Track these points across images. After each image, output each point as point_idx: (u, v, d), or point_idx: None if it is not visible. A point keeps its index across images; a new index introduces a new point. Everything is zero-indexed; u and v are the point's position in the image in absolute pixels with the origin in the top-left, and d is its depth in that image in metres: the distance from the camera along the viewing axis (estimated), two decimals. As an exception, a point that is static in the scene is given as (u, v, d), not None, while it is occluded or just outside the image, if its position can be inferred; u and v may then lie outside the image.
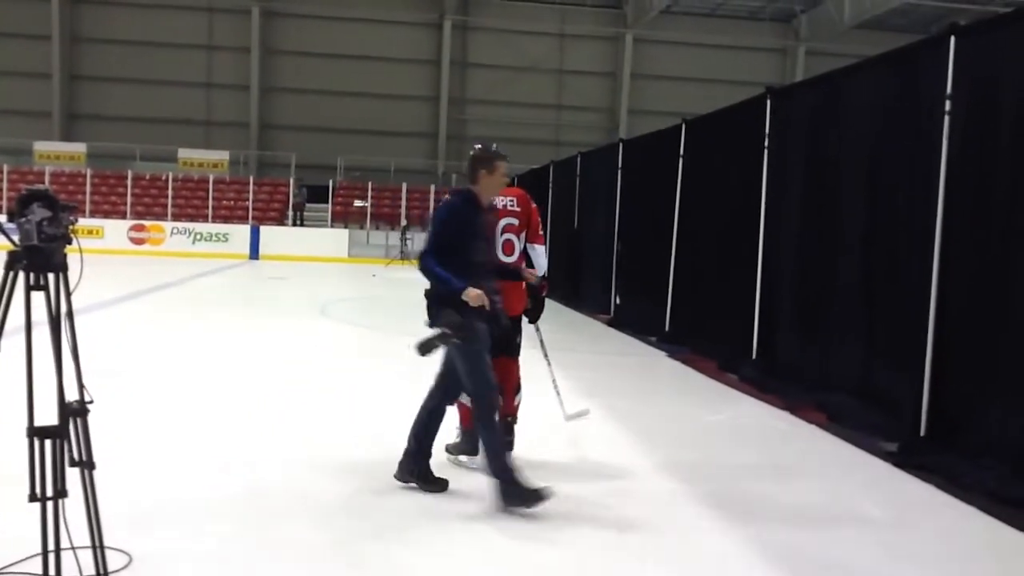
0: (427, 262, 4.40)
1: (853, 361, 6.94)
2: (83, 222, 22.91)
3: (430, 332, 4.44)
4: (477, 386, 4.47)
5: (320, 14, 31.58)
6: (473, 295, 4.31)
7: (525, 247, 5.23)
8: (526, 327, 5.43)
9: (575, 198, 16.38)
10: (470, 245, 4.48)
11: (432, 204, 27.42)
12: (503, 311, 4.66)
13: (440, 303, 4.42)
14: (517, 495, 4.32)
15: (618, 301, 13.42)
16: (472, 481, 4.86)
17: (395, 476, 4.66)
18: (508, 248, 5.12)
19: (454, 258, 4.38)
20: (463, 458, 5.15)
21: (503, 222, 5.12)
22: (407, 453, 4.67)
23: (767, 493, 4.97)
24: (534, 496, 4.30)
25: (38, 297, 2.80)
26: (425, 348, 4.41)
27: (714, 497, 4.82)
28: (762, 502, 4.78)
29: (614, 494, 4.82)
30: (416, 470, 4.65)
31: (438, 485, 4.63)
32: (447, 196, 4.68)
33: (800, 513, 4.67)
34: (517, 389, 5.30)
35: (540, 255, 5.31)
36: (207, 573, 3.55)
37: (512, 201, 5.18)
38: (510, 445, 5.26)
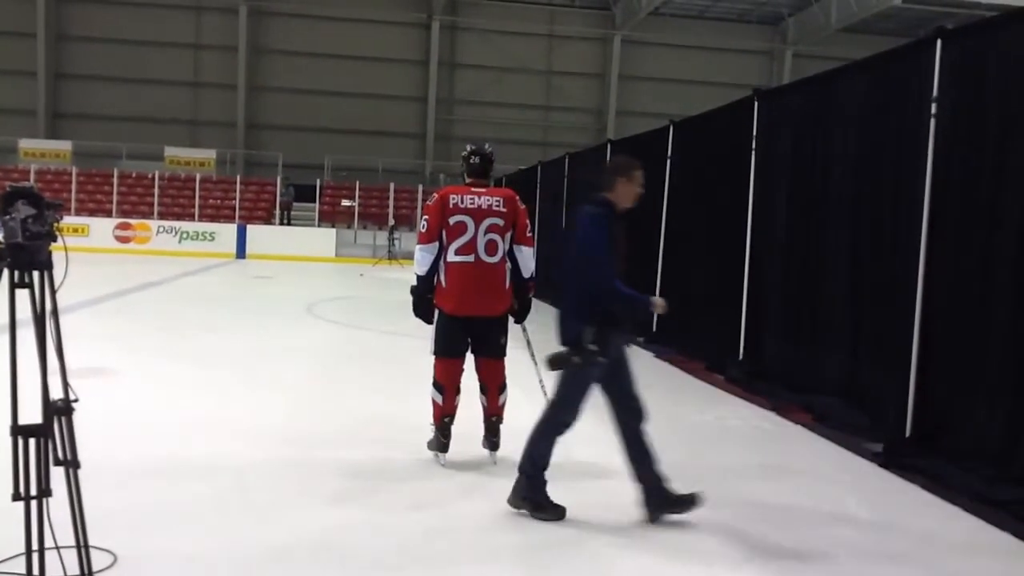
0: (614, 283, 4.16)
1: (839, 362, 6.97)
2: (68, 220, 22.76)
3: (563, 348, 4.24)
4: (567, 406, 4.33)
5: (308, 13, 31.49)
6: (659, 303, 4.22)
7: (511, 248, 5.22)
8: (512, 327, 5.43)
9: (563, 199, 16.38)
10: (615, 256, 4.29)
11: (420, 204, 27.37)
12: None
13: (587, 320, 4.16)
14: (533, 500, 4.31)
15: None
16: (451, 481, 4.87)
17: (647, 519, 4.34)
18: (491, 248, 5.11)
19: None
20: (439, 455, 5.20)
21: (487, 222, 5.10)
22: (646, 492, 4.36)
23: (753, 493, 4.99)
24: (550, 509, 4.30)
25: (22, 295, 2.78)
26: (557, 363, 4.24)
27: (700, 497, 4.84)
28: (748, 502, 4.80)
29: (600, 494, 4.82)
30: (657, 498, 4.35)
31: (687, 502, 4.33)
32: (588, 208, 4.36)
33: (786, 512, 4.69)
34: (502, 389, 5.31)
35: (527, 257, 5.31)
36: (192, 572, 3.53)
37: (498, 201, 5.17)
38: (496, 445, 5.28)
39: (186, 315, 12.76)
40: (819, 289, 7.35)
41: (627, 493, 4.85)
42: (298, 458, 5.20)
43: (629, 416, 4.41)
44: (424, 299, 5.23)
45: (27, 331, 2.77)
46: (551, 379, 4.42)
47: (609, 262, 4.20)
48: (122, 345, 9.15)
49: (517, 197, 5.32)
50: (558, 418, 4.36)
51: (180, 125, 31.67)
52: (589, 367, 4.22)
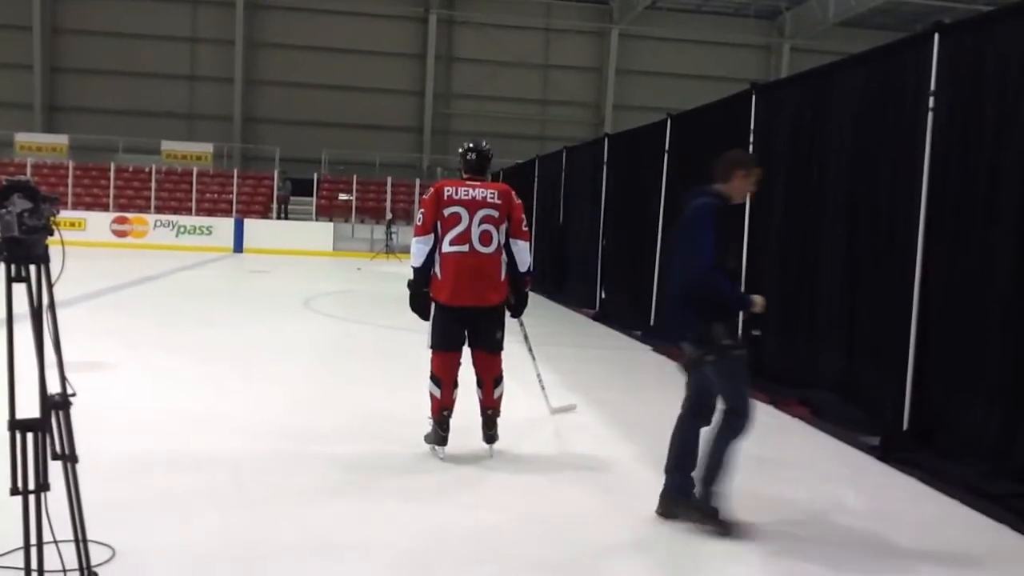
0: (716, 276, 4.01)
1: (837, 357, 6.97)
2: (65, 214, 22.46)
3: (692, 349, 4.14)
4: (740, 404, 4.16)
5: (305, 6, 31.40)
6: (761, 302, 4.10)
7: (508, 242, 5.25)
8: (510, 322, 5.44)
9: (560, 193, 16.39)
10: (729, 250, 4.15)
11: (417, 198, 27.36)
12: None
13: (712, 317, 4.06)
14: (708, 513, 4.15)
15: (603, 295, 13.44)
16: (449, 474, 4.88)
17: (660, 511, 4.29)
18: (486, 239, 5.15)
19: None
20: (435, 448, 5.22)
21: (482, 213, 5.13)
22: (673, 487, 4.28)
23: (750, 485, 4.98)
24: (726, 524, 4.12)
25: (19, 289, 2.78)
26: (696, 366, 4.13)
27: (698, 491, 4.85)
28: (745, 494, 4.79)
29: (598, 487, 4.84)
30: (678, 498, 4.27)
31: (708, 515, 4.21)
32: (700, 199, 4.22)
33: (783, 505, 4.69)
34: (498, 382, 5.32)
35: (523, 250, 5.33)
36: (191, 567, 3.53)
37: (493, 194, 5.21)
38: (493, 438, 5.29)
39: (183, 309, 12.76)
40: (816, 284, 7.35)
41: (625, 485, 4.87)
42: (296, 452, 5.20)
43: (698, 413, 4.30)
44: (420, 292, 5.24)
45: (24, 325, 2.77)
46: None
47: (714, 255, 4.03)
48: (119, 339, 9.15)
49: (513, 192, 5.35)
50: (739, 422, 4.16)
51: (177, 119, 31.60)
52: (732, 361, 4.11)
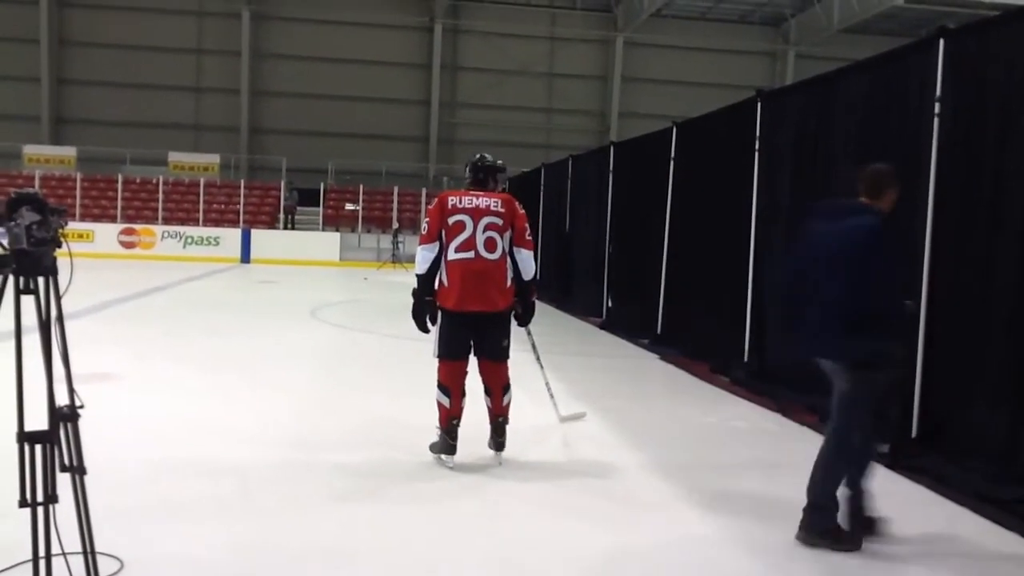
0: (901, 301, 3.98)
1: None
2: (73, 226, 22.66)
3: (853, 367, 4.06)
4: (854, 423, 4.16)
5: (310, 17, 31.51)
6: (911, 307, 4.08)
7: (512, 250, 5.27)
8: (517, 330, 5.45)
9: (566, 201, 16.39)
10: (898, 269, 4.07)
11: (424, 207, 27.38)
12: None
13: (892, 332, 4.05)
14: (827, 533, 4.12)
15: (610, 304, 13.43)
16: (456, 482, 4.88)
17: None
18: (491, 245, 5.19)
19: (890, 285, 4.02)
20: (443, 457, 5.22)
21: (486, 220, 5.19)
22: (853, 515, 4.21)
23: (758, 493, 4.98)
24: (847, 538, 4.10)
25: (28, 301, 2.79)
26: (860, 381, 4.07)
27: (705, 497, 4.84)
28: (752, 502, 4.80)
29: (606, 494, 4.83)
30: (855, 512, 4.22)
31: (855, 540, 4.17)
32: (862, 217, 4.09)
33: (791, 513, 4.67)
34: (506, 390, 5.34)
35: (527, 259, 5.37)
36: (199, 578, 3.54)
37: (497, 203, 5.26)
38: (502, 445, 5.30)
39: (191, 320, 12.79)
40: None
41: (634, 493, 4.86)
42: (303, 460, 5.21)
43: (877, 416, 4.28)
44: (423, 301, 5.27)
45: (32, 337, 2.78)
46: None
47: (898, 278, 4.01)
48: (127, 350, 9.17)
49: (516, 202, 5.40)
50: (845, 441, 4.16)
51: (183, 130, 31.72)
52: (885, 378, 4.10)
